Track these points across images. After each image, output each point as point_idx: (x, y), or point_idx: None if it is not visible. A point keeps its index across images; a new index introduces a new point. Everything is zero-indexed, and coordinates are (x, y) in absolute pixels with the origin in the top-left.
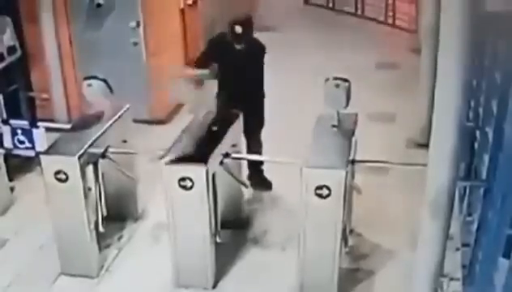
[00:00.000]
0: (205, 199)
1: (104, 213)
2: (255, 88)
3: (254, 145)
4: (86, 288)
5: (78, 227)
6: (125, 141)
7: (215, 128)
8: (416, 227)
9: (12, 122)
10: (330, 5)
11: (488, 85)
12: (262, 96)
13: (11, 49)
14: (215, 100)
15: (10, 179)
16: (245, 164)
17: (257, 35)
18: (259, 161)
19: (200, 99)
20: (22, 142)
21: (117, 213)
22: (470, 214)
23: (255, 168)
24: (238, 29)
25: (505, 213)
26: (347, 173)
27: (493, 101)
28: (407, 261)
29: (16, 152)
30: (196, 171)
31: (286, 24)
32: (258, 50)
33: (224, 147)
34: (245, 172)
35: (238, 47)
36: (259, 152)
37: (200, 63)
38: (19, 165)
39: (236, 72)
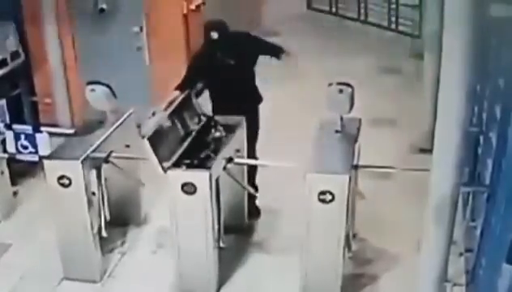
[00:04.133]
0: (208, 204)
1: (108, 218)
2: (249, 91)
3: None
4: None
5: (81, 232)
6: (128, 146)
7: (218, 133)
8: (419, 232)
9: (15, 126)
10: (333, 10)
11: (491, 90)
12: (256, 100)
13: (15, 55)
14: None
15: (14, 184)
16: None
17: None
18: (253, 188)
19: None
20: (25, 147)
21: (120, 218)
22: (473, 219)
23: (249, 195)
24: (214, 35)
25: (508, 219)
26: (350, 178)
27: (497, 107)
28: (411, 266)
29: (19, 156)
30: (199, 176)
31: (288, 29)
32: (244, 43)
33: (227, 152)
34: None
35: (219, 53)
36: (254, 167)
37: (184, 87)
38: (22, 170)
39: (226, 76)
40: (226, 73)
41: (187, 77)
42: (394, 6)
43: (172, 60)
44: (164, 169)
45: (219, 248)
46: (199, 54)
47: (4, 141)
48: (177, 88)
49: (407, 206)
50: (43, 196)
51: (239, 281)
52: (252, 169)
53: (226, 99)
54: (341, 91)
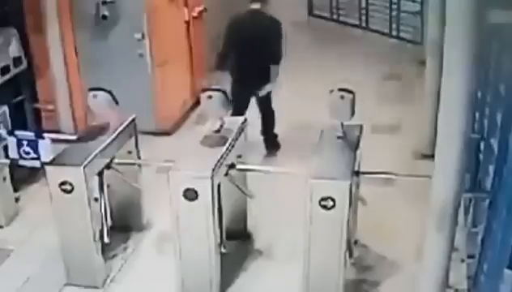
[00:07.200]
0: (210, 209)
1: (110, 224)
2: (269, 62)
3: (268, 115)
4: None
5: (83, 238)
6: (130, 152)
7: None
8: (421, 238)
9: (18, 133)
10: (335, 16)
11: (492, 97)
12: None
13: (17, 61)
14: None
15: (16, 190)
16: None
17: None
18: (271, 126)
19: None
20: (27, 153)
21: (123, 224)
22: (475, 225)
23: (269, 132)
24: (256, 5)
25: (510, 225)
26: (351, 184)
27: (498, 113)
28: (413, 272)
29: (22, 162)
30: (201, 182)
31: (290, 35)
32: (272, 24)
33: (229, 157)
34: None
35: (250, 23)
36: (273, 120)
37: (221, 62)
38: (24, 176)
39: (252, 47)
40: (252, 49)
41: (223, 48)
42: (395, 12)
43: (175, 67)
44: None
45: (221, 254)
46: (233, 22)
47: (6, 147)
48: (217, 66)
49: (408, 212)
50: (45, 202)
51: (241, 287)
52: (270, 120)
53: (244, 75)
54: (342, 97)
